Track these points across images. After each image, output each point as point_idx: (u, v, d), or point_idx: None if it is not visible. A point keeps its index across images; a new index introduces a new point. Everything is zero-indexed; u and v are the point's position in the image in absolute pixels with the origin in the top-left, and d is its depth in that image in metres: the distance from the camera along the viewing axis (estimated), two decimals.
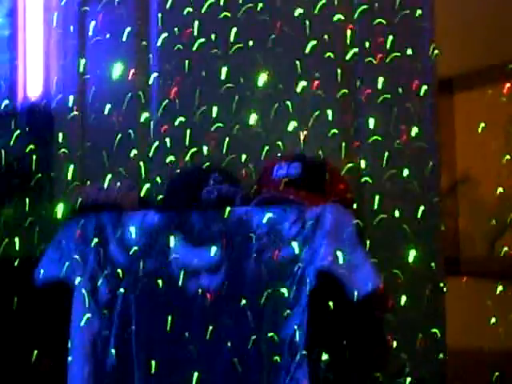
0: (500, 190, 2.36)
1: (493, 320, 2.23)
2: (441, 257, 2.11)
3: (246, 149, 2.13)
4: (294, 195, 1.90)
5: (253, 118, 2.09)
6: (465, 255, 2.53)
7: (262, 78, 2.10)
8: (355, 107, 2.13)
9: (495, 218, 2.50)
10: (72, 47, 2.34)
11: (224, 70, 2.12)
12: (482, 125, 2.35)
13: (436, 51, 2.10)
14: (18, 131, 2.25)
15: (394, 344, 2.00)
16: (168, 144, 2.18)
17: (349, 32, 2.12)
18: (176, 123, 2.16)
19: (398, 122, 2.09)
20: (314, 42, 2.08)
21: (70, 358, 1.93)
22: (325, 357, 1.85)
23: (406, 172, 2.07)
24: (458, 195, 2.61)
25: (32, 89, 2.35)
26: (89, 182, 2.18)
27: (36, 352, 2.02)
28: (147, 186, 2.16)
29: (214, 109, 2.14)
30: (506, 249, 2.48)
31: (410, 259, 1.97)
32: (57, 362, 1.97)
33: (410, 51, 2.10)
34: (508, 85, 2.27)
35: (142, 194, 2.12)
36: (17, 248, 2.13)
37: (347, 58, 2.11)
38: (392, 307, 1.96)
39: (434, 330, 2.03)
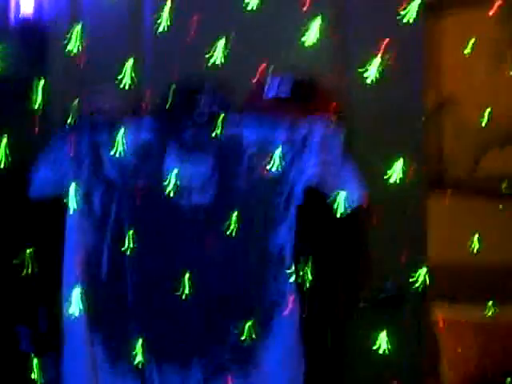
0: (485, 111, 2.40)
1: (475, 236, 2.29)
2: (424, 174, 2.16)
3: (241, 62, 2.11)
4: (284, 114, 1.94)
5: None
6: (449, 174, 2.59)
7: None
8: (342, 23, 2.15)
9: (479, 138, 2.55)
10: None
11: None
12: (469, 46, 2.37)
13: None
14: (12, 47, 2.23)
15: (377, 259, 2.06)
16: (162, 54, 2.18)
17: None
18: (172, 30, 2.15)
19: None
20: None
21: (64, 274, 1.97)
22: (311, 269, 1.92)
23: (391, 92, 2.09)
24: (442, 116, 2.66)
25: (25, 5, 2.33)
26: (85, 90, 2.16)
27: (30, 266, 2.05)
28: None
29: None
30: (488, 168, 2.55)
31: (394, 176, 2.02)
32: (51, 277, 2.01)
33: None
34: (496, 5, 2.28)
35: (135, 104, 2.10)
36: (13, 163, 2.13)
37: None
38: (377, 222, 2.03)
39: (416, 246, 2.10)
